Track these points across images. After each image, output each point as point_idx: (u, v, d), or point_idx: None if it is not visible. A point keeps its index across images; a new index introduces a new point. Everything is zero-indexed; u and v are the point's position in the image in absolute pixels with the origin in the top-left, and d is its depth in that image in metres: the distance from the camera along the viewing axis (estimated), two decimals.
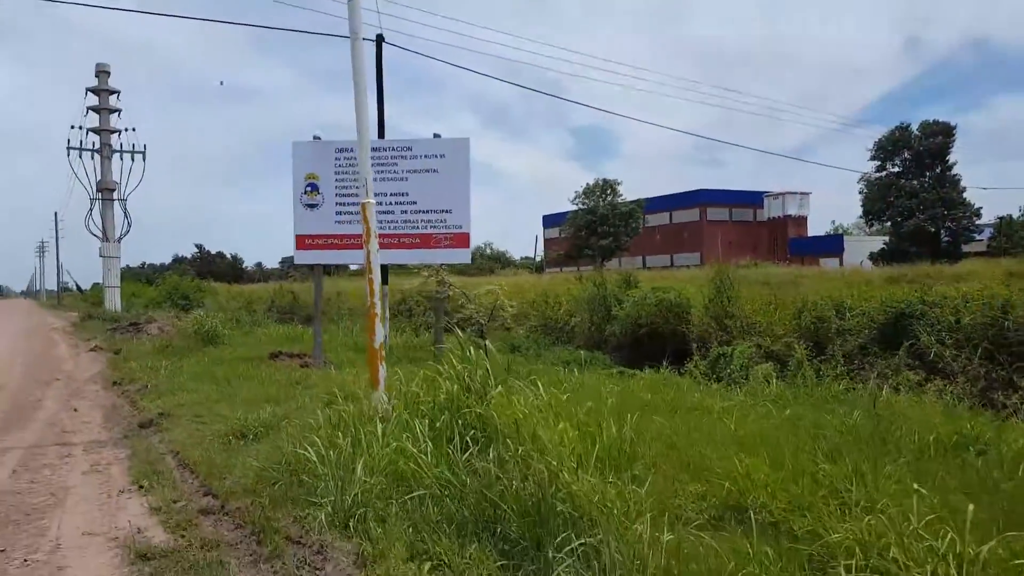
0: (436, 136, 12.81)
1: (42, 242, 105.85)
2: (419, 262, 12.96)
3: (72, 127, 28.87)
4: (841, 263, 56.25)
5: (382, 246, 12.89)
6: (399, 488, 4.61)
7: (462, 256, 12.63)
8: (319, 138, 13.04)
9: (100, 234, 29.45)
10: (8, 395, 10.87)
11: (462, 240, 12.52)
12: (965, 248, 57.48)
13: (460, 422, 5.33)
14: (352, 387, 8.92)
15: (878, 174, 63.21)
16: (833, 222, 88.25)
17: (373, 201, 7.65)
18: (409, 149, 12.63)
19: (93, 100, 29.33)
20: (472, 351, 6.93)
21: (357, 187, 12.62)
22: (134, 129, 29.99)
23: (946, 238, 59.16)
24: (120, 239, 30.08)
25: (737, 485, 4.95)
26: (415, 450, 4.77)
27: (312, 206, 12.72)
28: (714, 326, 15.80)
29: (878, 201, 62.05)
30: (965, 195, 59.12)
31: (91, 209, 29.30)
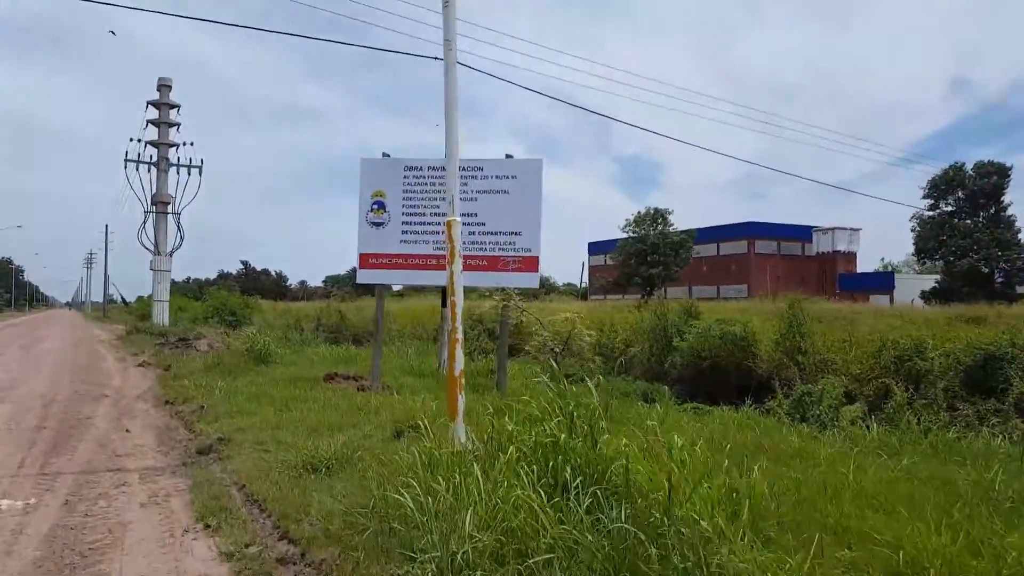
0: (508, 156, 12.28)
1: (90, 253, 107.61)
2: (487, 285, 12.41)
3: (131, 140, 29.14)
4: (892, 301, 54.73)
5: (445, 267, 12.47)
6: (513, 547, 3.94)
7: (531, 280, 12.02)
8: (388, 155, 12.60)
9: (152, 247, 29.44)
10: (57, 411, 10.44)
11: (531, 264, 11.93)
12: (1020, 289, 55.97)
13: (569, 468, 4.68)
14: (420, 415, 8.34)
15: (930, 212, 61.96)
16: (882, 259, 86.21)
17: (459, 219, 7.08)
18: (480, 169, 12.12)
19: (153, 113, 29.54)
20: (565, 384, 6.33)
21: (425, 206, 12.21)
22: (192, 143, 30.15)
23: (999, 279, 57.66)
24: (172, 253, 30.06)
25: (902, 555, 4.20)
26: (534, 503, 4.09)
27: (378, 224, 12.24)
28: (786, 362, 14.96)
29: (930, 240, 60.77)
30: (1021, 236, 57.76)
31: (144, 222, 29.37)
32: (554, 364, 9.24)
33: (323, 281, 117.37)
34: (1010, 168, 58.02)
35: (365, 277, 12.51)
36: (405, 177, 12.28)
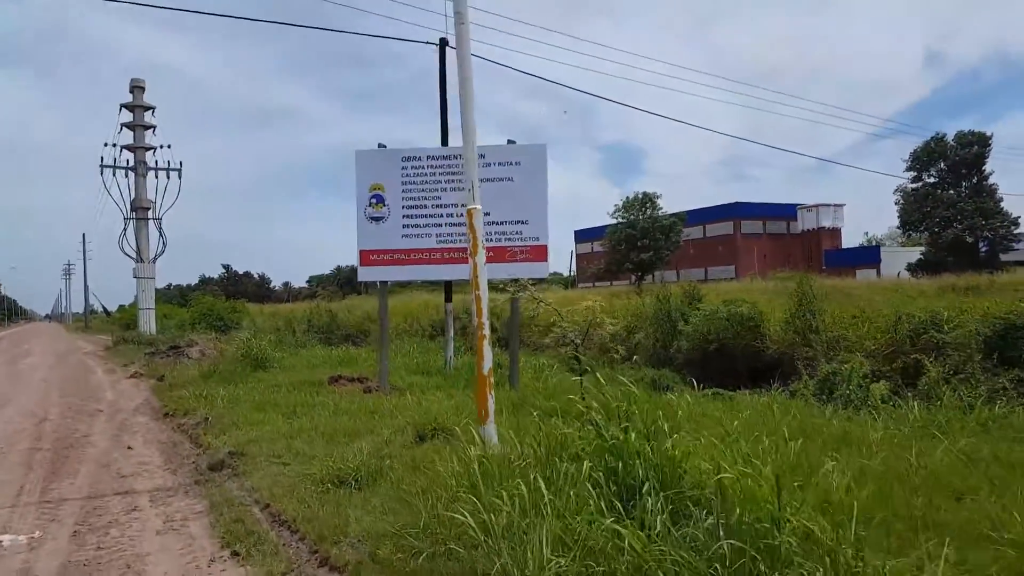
0: (510, 142, 11.78)
1: (68, 264, 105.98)
2: (494, 277, 11.93)
3: (105, 144, 28.19)
4: (878, 274, 54.88)
5: (450, 260, 11.97)
6: (599, 570, 3.47)
7: (539, 270, 11.54)
8: (384, 146, 12.07)
9: (134, 254, 28.63)
10: (50, 430, 9.87)
11: (540, 253, 11.47)
12: (1004, 258, 56.26)
13: (631, 476, 4.23)
14: (440, 417, 7.87)
15: (914, 185, 62.18)
16: (866, 234, 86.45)
17: (480, 207, 6.62)
18: (482, 156, 11.57)
19: (127, 116, 28.60)
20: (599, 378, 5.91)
21: (426, 198, 11.70)
22: (169, 146, 29.27)
23: (984, 248, 57.99)
24: (155, 259, 29.27)
25: None
26: (610, 517, 3.63)
27: (377, 219, 11.72)
28: (798, 341, 14.57)
29: (915, 212, 61.06)
30: (1002, 204, 58.14)
31: (125, 229, 28.47)
32: (578, 357, 8.81)
33: (307, 281, 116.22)
34: (990, 137, 58.34)
35: (366, 275, 11.99)
36: (403, 168, 11.77)
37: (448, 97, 14.21)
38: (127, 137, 28.80)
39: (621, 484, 4.18)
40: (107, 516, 5.77)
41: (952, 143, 59.78)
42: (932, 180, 61.52)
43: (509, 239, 11.45)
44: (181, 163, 29.25)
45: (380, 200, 11.75)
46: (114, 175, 28.16)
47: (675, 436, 4.54)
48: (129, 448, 8.49)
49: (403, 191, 11.72)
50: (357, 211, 11.79)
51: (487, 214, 11.45)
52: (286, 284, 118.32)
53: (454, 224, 11.54)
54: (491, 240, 11.44)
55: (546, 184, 11.50)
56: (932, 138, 60.80)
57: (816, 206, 78.49)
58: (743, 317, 15.86)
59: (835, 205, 78.93)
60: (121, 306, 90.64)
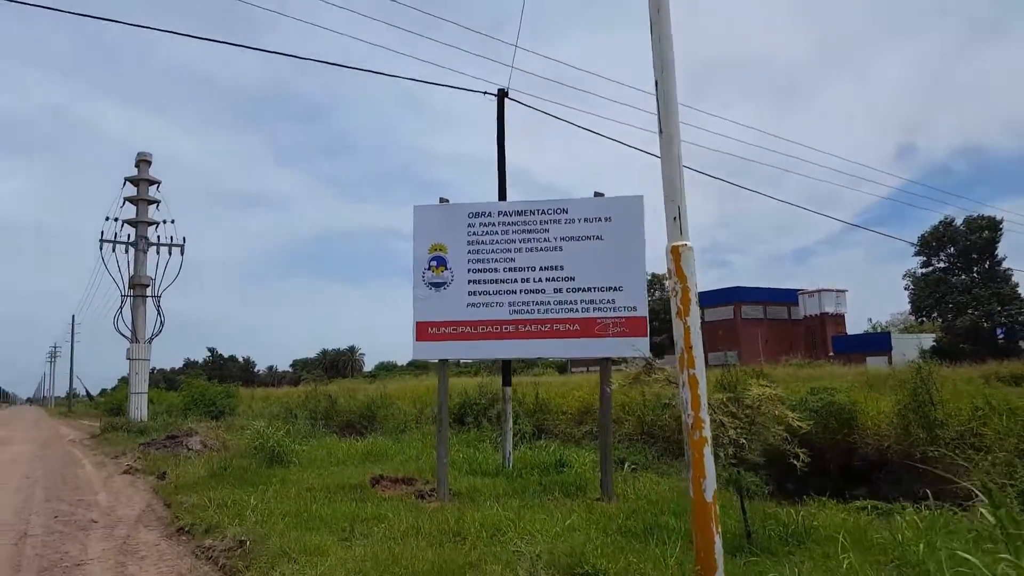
0: (597, 195, 9.98)
1: (54, 347, 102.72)
2: (579, 356, 9.98)
3: (107, 218, 26.16)
4: (890, 361, 52.99)
5: (527, 334, 9.94)
6: None
7: (638, 347, 9.57)
8: (447, 200, 10.26)
9: (129, 334, 26.38)
10: (34, 553, 7.55)
11: (638, 326, 9.49)
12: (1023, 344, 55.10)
13: None
14: (577, 551, 5.73)
15: (924, 270, 61.35)
16: (870, 320, 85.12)
17: (690, 243, 4.70)
18: (564, 211, 9.79)
19: (131, 190, 26.72)
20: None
21: (497, 260, 9.78)
22: (173, 221, 27.36)
23: (1000, 335, 56.69)
24: (151, 339, 26.99)
25: None
26: None
27: (438, 285, 9.79)
28: (923, 438, 12.42)
29: (927, 297, 60.00)
30: (1019, 290, 57.20)
31: (121, 307, 26.30)
32: (740, 467, 6.75)
33: (291, 365, 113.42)
34: (1001, 221, 57.64)
35: (423, 351, 9.91)
36: (470, 226, 9.91)
37: (506, 151, 12.51)
38: (129, 211, 26.95)
39: None
40: None
41: (961, 227, 59.15)
42: (942, 265, 60.73)
43: (599, 309, 9.50)
44: (184, 239, 27.36)
45: (442, 263, 9.84)
46: (113, 250, 26.16)
47: None
48: None
49: (469, 252, 9.83)
50: (414, 275, 9.86)
51: (571, 279, 9.64)
52: (271, 368, 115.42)
53: (531, 291, 9.61)
54: (576, 310, 9.54)
55: (643, 243, 9.61)
56: (941, 223, 60.25)
57: (818, 291, 77.73)
58: (838, 408, 13.81)
59: (837, 291, 78.22)
60: (104, 390, 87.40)
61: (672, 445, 18.09)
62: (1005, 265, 57.44)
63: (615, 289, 9.53)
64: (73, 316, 78.70)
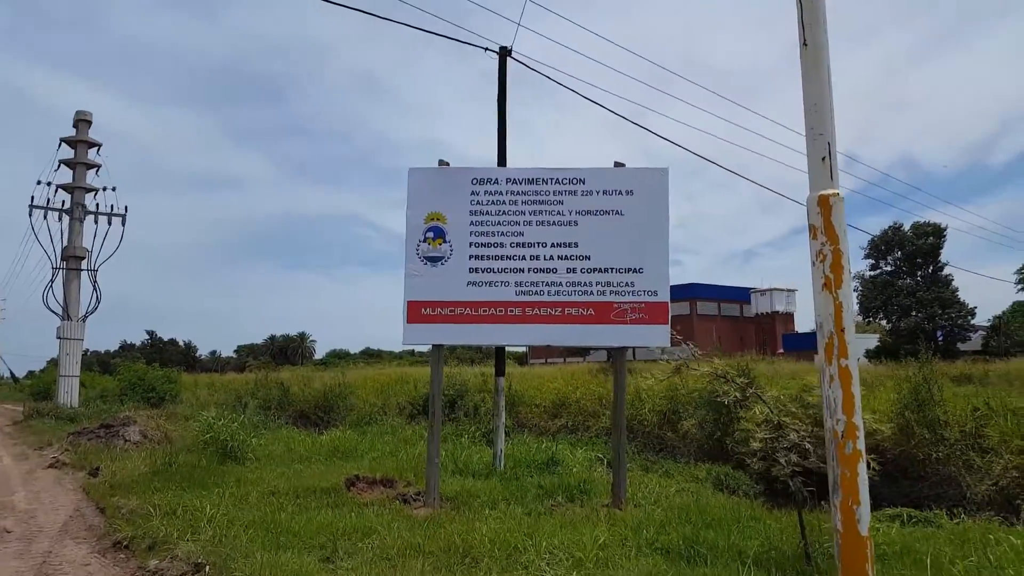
0: (618, 164, 8.79)
1: None
2: (592, 344, 8.82)
3: (39, 182, 23.71)
4: None
5: (534, 319, 8.69)
6: None
7: (658, 337, 8.42)
8: (447, 163, 8.95)
9: (61, 310, 24.21)
10: None
11: (659, 313, 8.37)
12: (961, 347, 56.79)
13: None
14: (587, 570, 4.57)
15: (872, 272, 62.47)
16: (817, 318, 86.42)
17: (841, 194, 3.54)
18: (582, 182, 8.57)
19: (67, 152, 24.35)
20: None
21: (504, 233, 8.49)
22: (114, 188, 25.01)
23: (940, 337, 58.23)
24: (85, 317, 24.85)
25: None
26: None
27: (434, 259, 8.48)
28: (927, 438, 11.62)
29: (875, 299, 61.14)
30: (958, 294, 58.87)
31: (52, 280, 24.08)
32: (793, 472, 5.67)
33: (235, 351, 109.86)
34: (945, 228, 59.09)
35: (414, 336, 8.55)
36: (473, 194, 8.61)
37: (507, 113, 11.25)
38: (65, 176, 24.60)
39: None
40: None
41: (908, 233, 60.39)
42: (889, 268, 61.88)
43: (616, 292, 8.33)
44: (127, 208, 25.13)
45: (439, 234, 8.53)
46: (45, 218, 23.81)
47: None
48: None
49: (472, 223, 8.54)
50: (406, 247, 8.52)
51: (587, 257, 8.45)
52: (214, 353, 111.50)
53: (541, 270, 8.37)
54: (591, 293, 8.36)
55: (667, 221, 8.46)
56: (890, 227, 61.49)
57: (770, 290, 78.76)
58: None
59: (788, 290, 79.20)
60: (31, 372, 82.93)
61: (651, 440, 17.16)
62: (947, 271, 59.16)
63: (635, 271, 8.37)
64: None
